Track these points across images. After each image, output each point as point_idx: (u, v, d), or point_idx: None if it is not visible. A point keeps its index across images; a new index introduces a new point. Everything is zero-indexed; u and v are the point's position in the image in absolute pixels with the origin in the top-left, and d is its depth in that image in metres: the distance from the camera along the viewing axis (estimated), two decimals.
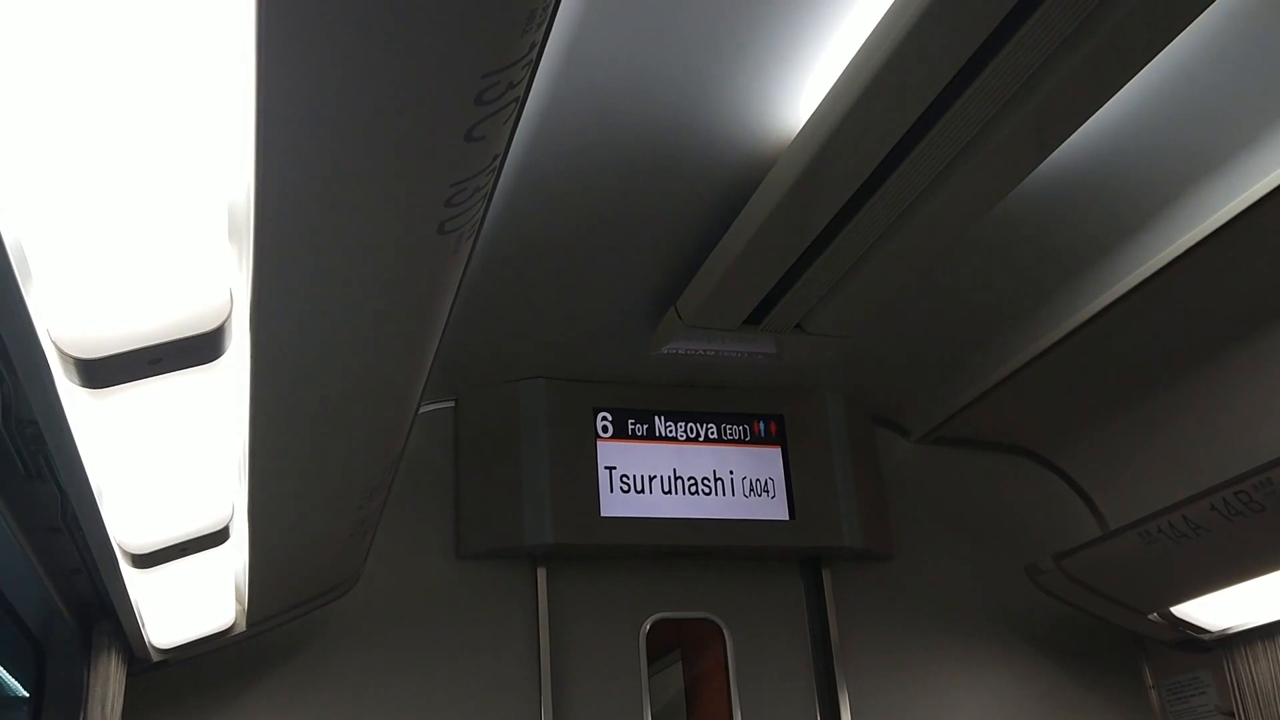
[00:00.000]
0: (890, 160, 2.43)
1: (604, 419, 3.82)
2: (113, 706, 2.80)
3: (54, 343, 1.40)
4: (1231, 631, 3.69)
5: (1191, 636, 3.77)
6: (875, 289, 3.02)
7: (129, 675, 2.90)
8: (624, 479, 3.76)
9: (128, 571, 2.26)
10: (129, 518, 2.08)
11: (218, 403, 1.78)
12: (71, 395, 1.54)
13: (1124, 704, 4.12)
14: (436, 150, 1.35)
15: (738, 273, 2.87)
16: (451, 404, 3.87)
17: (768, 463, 3.92)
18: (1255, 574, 3.38)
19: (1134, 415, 3.83)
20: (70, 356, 1.41)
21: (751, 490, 3.86)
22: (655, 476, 3.79)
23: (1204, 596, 3.57)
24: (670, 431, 3.88)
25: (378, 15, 1.12)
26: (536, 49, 1.26)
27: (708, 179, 2.73)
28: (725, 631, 3.85)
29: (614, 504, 3.72)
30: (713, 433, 3.91)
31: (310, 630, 3.47)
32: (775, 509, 3.86)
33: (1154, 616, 3.75)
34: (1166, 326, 3.39)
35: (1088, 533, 4.06)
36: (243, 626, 3.04)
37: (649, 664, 3.76)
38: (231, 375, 1.70)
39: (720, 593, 3.89)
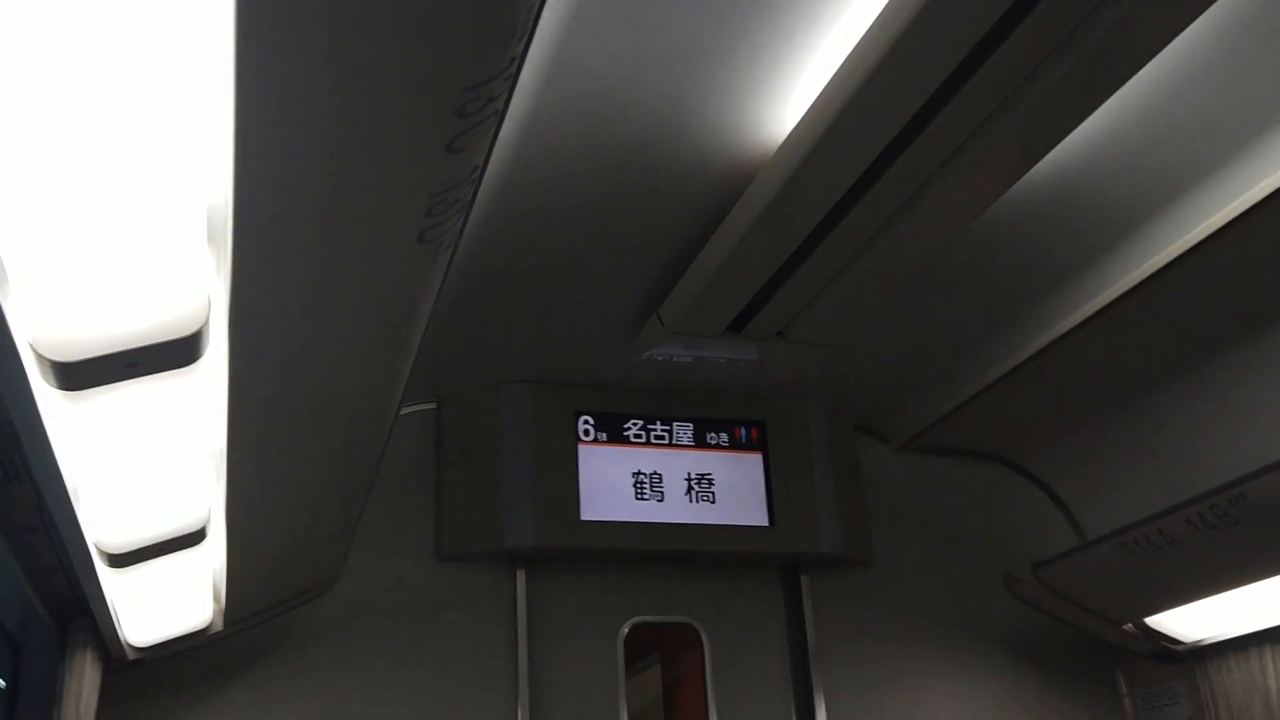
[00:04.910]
0: (874, 170, 2.44)
1: (586, 423, 3.82)
2: (87, 704, 2.79)
3: (30, 345, 1.40)
4: (1205, 643, 3.72)
5: (1166, 647, 3.80)
6: (858, 298, 3.04)
7: (105, 673, 2.90)
8: (605, 483, 3.76)
9: (103, 571, 2.26)
10: (105, 518, 2.08)
11: (195, 405, 1.78)
12: (48, 397, 1.54)
13: (1098, 713, 4.15)
14: (417, 161, 1.35)
15: (721, 280, 2.88)
16: (434, 406, 3.87)
17: (748, 469, 3.93)
18: (1229, 586, 3.41)
19: (1112, 426, 3.85)
20: (47, 359, 1.41)
21: (732, 496, 3.87)
22: (636, 481, 3.80)
23: (1178, 608, 3.60)
24: (652, 436, 3.88)
25: (359, 28, 1.12)
26: (516, 63, 1.27)
27: (692, 186, 2.74)
28: (704, 636, 3.86)
29: (594, 507, 3.72)
30: (694, 438, 3.92)
31: (288, 630, 3.47)
32: (755, 515, 3.87)
33: (1129, 627, 3.78)
34: (1145, 338, 3.41)
35: (1065, 542, 4.08)
36: (220, 626, 3.03)
37: (627, 668, 3.76)
38: (209, 378, 1.70)
39: (699, 598, 3.90)
